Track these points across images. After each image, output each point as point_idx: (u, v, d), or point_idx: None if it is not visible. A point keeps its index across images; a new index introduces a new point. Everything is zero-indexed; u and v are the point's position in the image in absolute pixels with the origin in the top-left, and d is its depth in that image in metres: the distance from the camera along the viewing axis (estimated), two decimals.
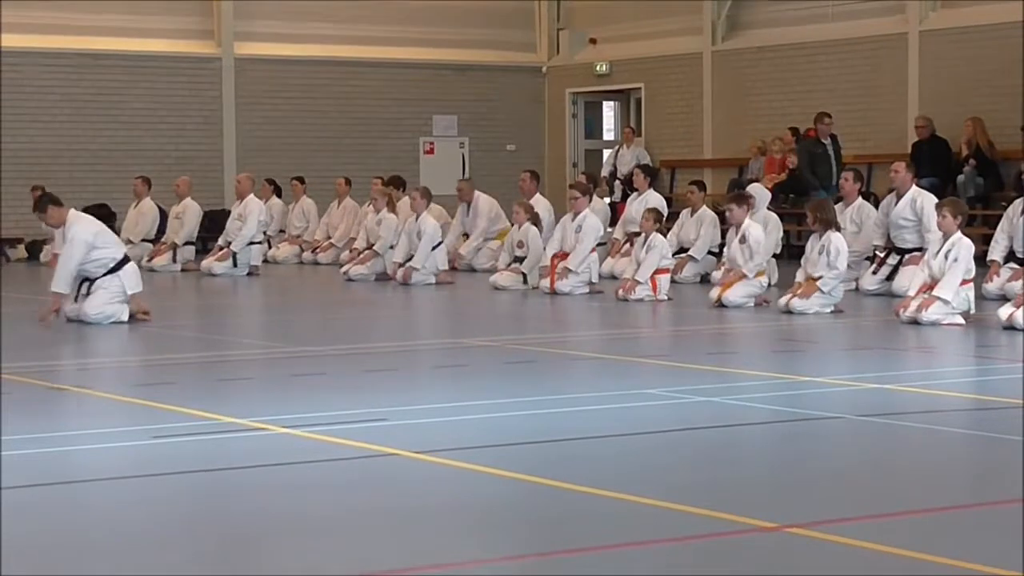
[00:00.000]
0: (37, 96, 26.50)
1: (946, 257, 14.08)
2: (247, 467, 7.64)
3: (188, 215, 23.18)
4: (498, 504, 6.81)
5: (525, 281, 18.62)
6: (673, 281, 17.69)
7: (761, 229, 16.57)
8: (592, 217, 18.32)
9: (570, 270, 17.71)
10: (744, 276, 15.96)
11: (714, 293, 16.12)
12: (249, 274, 21.70)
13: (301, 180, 25.75)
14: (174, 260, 23.06)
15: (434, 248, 19.72)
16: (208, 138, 27.71)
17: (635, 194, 21.34)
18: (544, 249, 18.42)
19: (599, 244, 18.90)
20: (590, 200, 18.91)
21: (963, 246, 14.07)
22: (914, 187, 17.54)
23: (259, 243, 22.38)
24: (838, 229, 15.55)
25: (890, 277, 17.27)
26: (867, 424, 8.93)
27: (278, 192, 25.92)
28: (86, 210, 24.79)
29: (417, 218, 19.85)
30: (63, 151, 26.62)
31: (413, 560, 5.84)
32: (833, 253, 15.15)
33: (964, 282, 14.06)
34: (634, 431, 8.58)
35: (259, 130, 28.03)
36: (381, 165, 28.28)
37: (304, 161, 27.88)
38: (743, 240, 16.13)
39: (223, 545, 6.16)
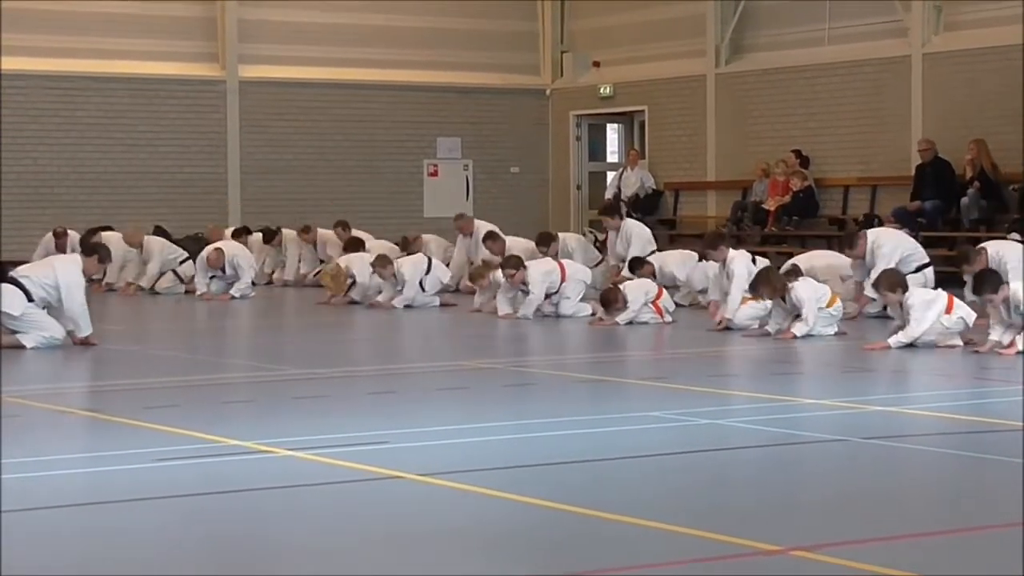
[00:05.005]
0: (42, 119, 26.56)
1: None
2: (250, 490, 7.63)
3: (151, 255, 22.81)
4: (501, 527, 6.80)
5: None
6: (677, 304, 17.67)
7: (744, 262, 16.40)
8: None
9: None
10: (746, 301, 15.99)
11: (719, 316, 16.11)
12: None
13: (307, 229, 24.69)
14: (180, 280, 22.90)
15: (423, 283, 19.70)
16: (212, 160, 27.75)
17: (613, 233, 20.66)
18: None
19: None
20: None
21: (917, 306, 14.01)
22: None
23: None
24: (798, 276, 15.42)
25: None
26: (870, 447, 8.92)
27: (269, 238, 25.04)
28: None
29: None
30: (68, 174, 26.67)
31: None
32: (797, 302, 15.02)
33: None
34: (637, 454, 8.57)
35: (262, 152, 28.06)
36: (384, 187, 28.33)
37: (307, 184, 27.94)
38: (729, 276, 16.20)
39: (226, 568, 6.15)
